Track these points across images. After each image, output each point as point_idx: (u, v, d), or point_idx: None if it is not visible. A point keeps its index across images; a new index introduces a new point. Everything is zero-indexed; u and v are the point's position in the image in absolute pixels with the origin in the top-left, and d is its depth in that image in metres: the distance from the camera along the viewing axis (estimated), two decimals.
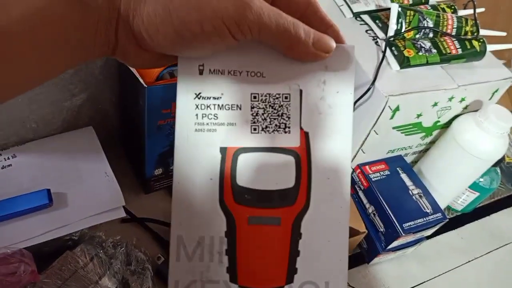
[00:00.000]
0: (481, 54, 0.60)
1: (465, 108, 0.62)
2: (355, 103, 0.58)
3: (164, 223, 0.56)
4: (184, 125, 0.25)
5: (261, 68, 0.24)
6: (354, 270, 0.61)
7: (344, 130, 0.25)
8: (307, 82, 0.25)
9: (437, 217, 0.58)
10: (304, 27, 0.22)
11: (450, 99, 0.58)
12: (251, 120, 0.25)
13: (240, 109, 0.24)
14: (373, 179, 0.60)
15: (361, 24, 0.63)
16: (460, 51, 0.59)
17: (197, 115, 0.25)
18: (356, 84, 0.59)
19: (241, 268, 0.25)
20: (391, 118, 0.56)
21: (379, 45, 0.59)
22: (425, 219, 0.58)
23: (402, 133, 0.60)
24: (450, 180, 0.64)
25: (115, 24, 0.22)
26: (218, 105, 0.24)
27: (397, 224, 0.56)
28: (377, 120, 0.56)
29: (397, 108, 0.55)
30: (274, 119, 0.25)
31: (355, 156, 0.62)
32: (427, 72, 0.58)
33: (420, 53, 0.57)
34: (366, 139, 0.59)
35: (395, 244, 0.58)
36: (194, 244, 0.25)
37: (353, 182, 0.63)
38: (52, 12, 0.19)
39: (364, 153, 0.61)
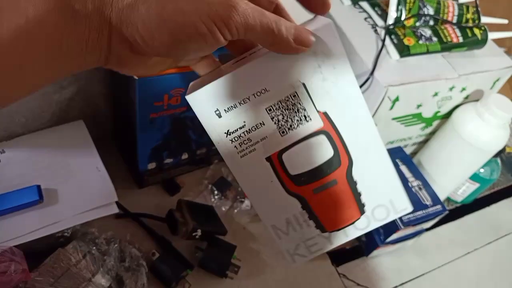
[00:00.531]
0: (482, 42, 0.58)
1: (466, 98, 0.60)
2: None
3: (159, 218, 0.55)
4: (231, 158, 0.29)
5: (262, 85, 0.27)
6: (352, 263, 0.60)
7: (352, 93, 0.29)
8: (305, 74, 0.28)
9: (436, 209, 0.57)
10: (285, 24, 0.23)
11: (450, 89, 0.57)
12: (277, 128, 0.29)
13: (263, 125, 0.28)
14: None
15: (359, 12, 0.61)
16: (461, 39, 0.57)
17: (235, 146, 0.29)
18: (354, 74, 0.58)
19: (325, 222, 0.33)
20: (391, 108, 0.54)
21: (378, 34, 0.58)
22: (424, 212, 0.57)
23: (401, 124, 0.59)
24: (450, 171, 0.63)
25: (107, 33, 0.22)
26: (246, 131, 0.28)
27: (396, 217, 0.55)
28: (376, 111, 0.55)
29: (397, 99, 0.53)
30: (294, 116, 0.29)
31: None
32: (427, 61, 0.56)
33: (421, 42, 0.55)
34: None
35: (394, 237, 0.57)
36: (285, 224, 0.33)
37: None
38: (45, 21, 0.20)
39: None
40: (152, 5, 0.21)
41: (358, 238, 0.62)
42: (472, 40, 0.58)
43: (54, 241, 0.47)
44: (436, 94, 0.56)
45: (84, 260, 0.45)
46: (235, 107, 0.27)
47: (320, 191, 0.32)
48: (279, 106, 0.28)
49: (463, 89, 0.58)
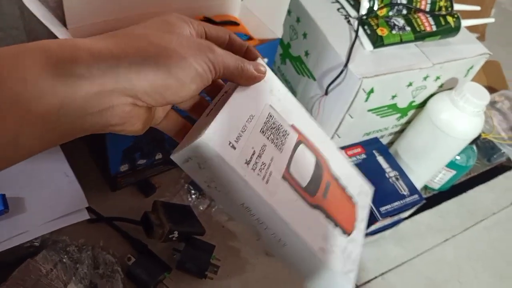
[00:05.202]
0: (455, 30, 0.58)
1: (440, 86, 0.60)
2: (328, 86, 0.56)
3: (133, 221, 0.53)
4: (263, 189, 0.28)
5: (248, 112, 0.30)
6: None
7: (293, 100, 0.36)
8: (267, 97, 0.33)
9: (413, 199, 0.57)
10: (247, 61, 0.29)
11: (425, 78, 0.57)
12: (275, 146, 0.31)
13: (266, 146, 0.30)
14: None
15: (332, 3, 0.60)
16: (434, 28, 0.57)
17: (258, 174, 0.28)
18: (328, 67, 0.57)
19: (343, 224, 0.35)
20: (366, 100, 0.54)
21: (351, 24, 0.57)
22: (402, 202, 0.57)
23: (377, 115, 0.58)
24: (426, 160, 0.63)
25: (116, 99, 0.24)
26: (258, 156, 0.29)
27: (374, 209, 0.55)
28: (351, 104, 0.54)
29: (372, 90, 0.53)
30: (279, 133, 0.32)
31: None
32: (401, 51, 0.56)
33: (394, 32, 0.55)
34: (341, 123, 0.57)
35: (372, 228, 0.57)
36: (325, 241, 0.33)
37: None
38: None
39: (339, 137, 0.59)
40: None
41: None
42: (446, 28, 0.57)
43: (23, 252, 0.45)
44: (410, 84, 0.56)
45: (55, 270, 0.43)
46: (240, 136, 0.28)
47: (327, 195, 0.34)
48: (267, 127, 0.31)
49: (437, 78, 0.58)
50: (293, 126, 0.34)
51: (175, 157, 0.26)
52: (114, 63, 0.22)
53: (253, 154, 0.29)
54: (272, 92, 0.33)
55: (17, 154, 0.21)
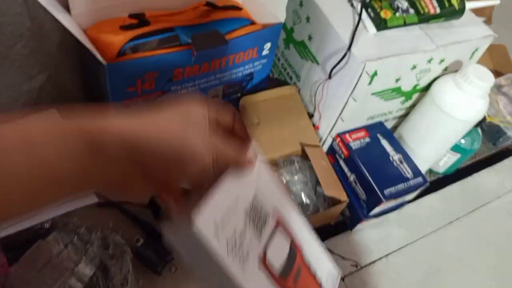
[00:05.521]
0: (460, 12, 0.58)
1: (445, 69, 0.60)
2: (331, 69, 0.56)
3: (141, 204, 0.54)
4: (238, 274, 0.30)
5: (235, 194, 0.32)
6: (337, 238, 0.61)
7: (277, 187, 0.39)
8: (254, 184, 0.35)
9: (417, 181, 0.58)
10: (243, 155, 0.32)
11: (429, 61, 0.57)
12: (255, 230, 0.33)
13: (247, 230, 0.33)
14: (353, 147, 0.59)
15: None
16: (438, 10, 0.56)
17: (239, 260, 0.31)
18: (331, 50, 0.57)
19: None
20: (369, 84, 0.54)
21: (354, 8, 0.57)
22: (406, 184, 0.57)
23: (381, 98, 0.58)
24: (431, 144, 0.63)
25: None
26: (240, 242, 0.32)
27: (378, 191, 0.55)
28: (355, 87, 0.54)
29: (375, 73, 0.53)
30: (261, 217, 0.35)
31: (334, 125, 0.60)
32: (405, 34, 0.56)
33: (398, 14, 0.54)
34: (344, 107, 0.57)
35: (376, 210, 0.58)
36: None
37: (333, 151, 0.62)
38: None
39: (343, 121, 0.59)
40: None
41: (341, 213, 0.62)
42: (450, 10, 0.57)
43: (34, 234, 0.46)
44: (414, 67, 0.56)
45: (66, 250, 0.45)
46: (227, 220, 0.30)
47: (298, 279, 0.37)
48: (251, 212, 0.33)
49: (442, 60, 0.58)
50: (273, 209, 0.36)
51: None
52: (137, 151, 0.27)
53: (235, 239, 0.32)
54: (260, 176, 0.36)
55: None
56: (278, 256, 0.36)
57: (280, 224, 0.37)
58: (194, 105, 0.30)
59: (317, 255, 0.41)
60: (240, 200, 0.33)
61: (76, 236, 0.46)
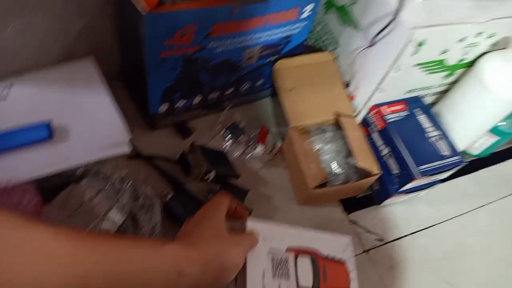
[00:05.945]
0: None
1: (494, 45, 0.57)
2: (375, 36, 0.53)
3: (171, 160, 0.54)
4: None
5: (261, 268, 0.42)
6: (364, 211, 0.60)
7: (278, 227, 0.47)
8: (265, 248, 0.43)
9: (454, 160, 0.56)
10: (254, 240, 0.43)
11: (478, 35, 0.54)
12: (285, 278, 0.42)
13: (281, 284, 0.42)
14: (389, 120, 0.58)
15: None
16: None
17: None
18: (376, 16, 0.55)
19: None
20: (414, 53, 0.52)
21: None
22: (441, 162, 0.55)
23: (424, 71, 0.56)
24: (470, 122, 0.61)
25: None
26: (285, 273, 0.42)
27: (413, 167, 0.54)
28: (398, 56, 0.52)
29: (422, 43, 0.50)
30: (283, 264, 0.43)
31: (371, 96, 0.58)
32: (455, 3, 0.53)
33: None
34: (385, 77, 0.55)
35: (408, 186, 0.56)
36: None
37: (367, 123, 0.61)
38: None
39: (381, 93, 0.57)
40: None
41: (370, 187, 0.61)
42: None
43: (66, 180, 0.46)
44: (462, 40, 0.53)
45: (98, 197, 0.45)
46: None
47: (326, 277, 0.44)
48: (275, 269, 0.42)
49: (491, 35, 0.55)
50: (287, 247, 0.44)
51: None
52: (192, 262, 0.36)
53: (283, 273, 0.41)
54: (265, 239, 0.43)
55: None
56: (306, 275, 0.42)
57: (296, 250, 0.44)
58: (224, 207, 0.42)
59: (328, 243, 0.47)
60: (266, 271, 0.41)
61: (108, 184, 0.46)
